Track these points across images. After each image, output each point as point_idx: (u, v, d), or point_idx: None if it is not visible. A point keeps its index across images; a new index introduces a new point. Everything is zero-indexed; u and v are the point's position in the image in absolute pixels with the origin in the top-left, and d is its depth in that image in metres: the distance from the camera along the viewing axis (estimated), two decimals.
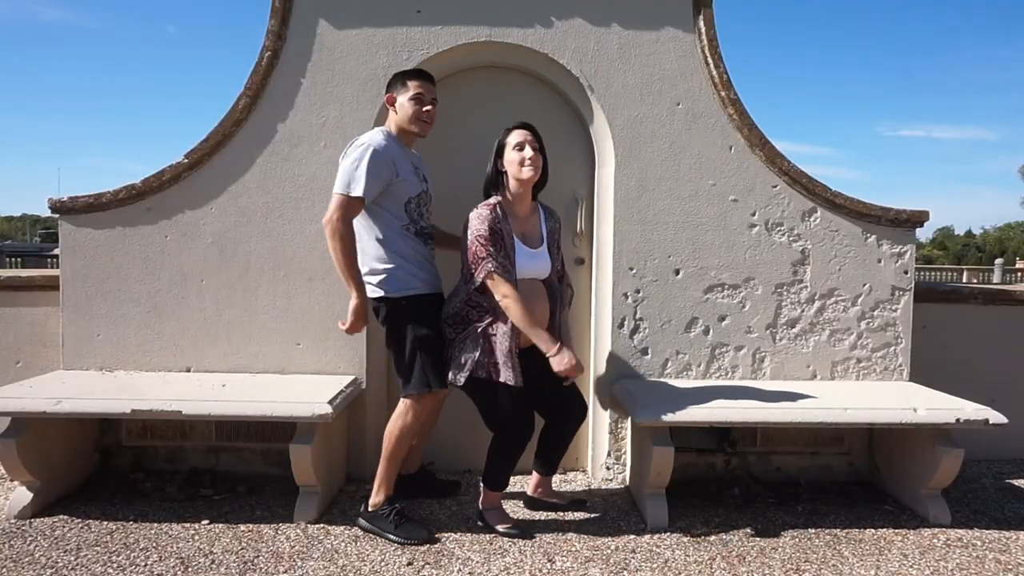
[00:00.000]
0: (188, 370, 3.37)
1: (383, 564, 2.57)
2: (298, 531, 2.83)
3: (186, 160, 3.30)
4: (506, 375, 2.66)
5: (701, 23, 3.36)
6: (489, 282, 2.64)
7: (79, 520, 2.90)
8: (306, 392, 2.96)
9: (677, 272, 3.40)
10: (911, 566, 2.63)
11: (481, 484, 2.89)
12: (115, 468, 3.40)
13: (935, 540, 2.86)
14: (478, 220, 2.68)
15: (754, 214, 3.41)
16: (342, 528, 2.86)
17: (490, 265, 2.63)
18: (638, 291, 3.39)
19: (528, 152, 2.71)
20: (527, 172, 2.71)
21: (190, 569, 2.51)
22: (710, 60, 3.35)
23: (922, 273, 20.90)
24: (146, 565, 2.53)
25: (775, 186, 3.41)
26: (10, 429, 2.87)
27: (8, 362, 3.58)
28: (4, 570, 2.48)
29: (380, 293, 2.80)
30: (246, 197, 3.34)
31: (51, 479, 3.04)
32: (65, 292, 3.35)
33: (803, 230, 3.43)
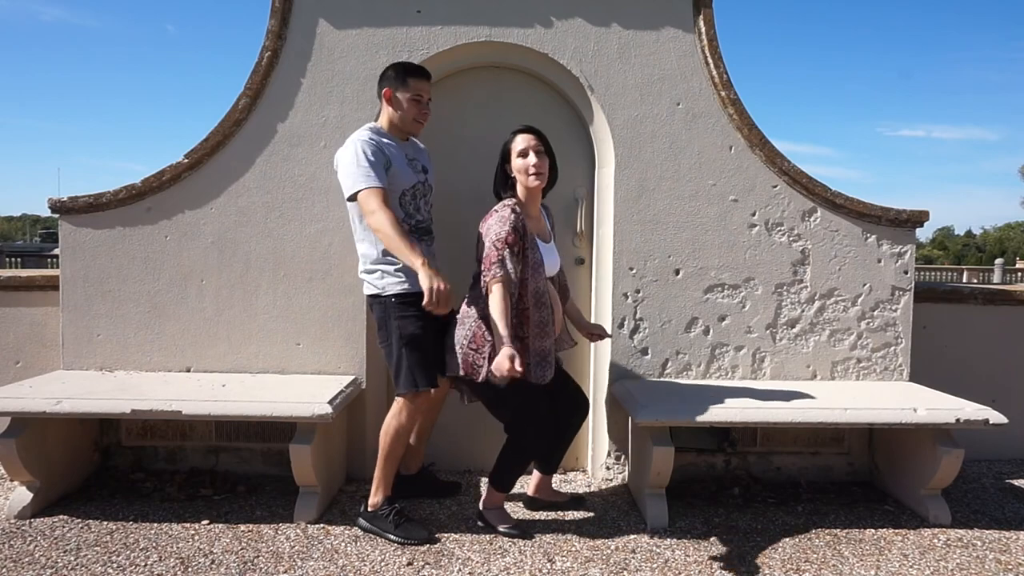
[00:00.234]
0: (188, 370, 3.37)
1: (383, 564, 2.57)
2: (298, 531, 2.83)
3: (186, 160, 3.31)
4: (540, 374, 2.69)
5: (701, 23, 3.36)
6: (492, 287, 2.58)
7: (79, 520, 2.90)
8: (306, 392, 2.97)
9: (677, 272, 3.40)
10: (911, 566, 2.63)
11: (487, 484, 2.89)
12: (115, 468, 3.40)
13: (935, 540, 2.86)
14: (499, 223, 2.63)
15: (754, 214, 3.41)
16: (342, 528, 2.86)
17: (500, 272, 2.56)
18: (638, 291, 3.39)
19: (533, 159, 2.68)
20: (533, 181, 2.70)
21: (190, 569, 2.51)
22: (710, 60, 3.35)
23: (922, 273, 20.91)
24: (146, 565, 2.53)
25: (775, 186, 3.41)
26: (10, 429, 2.87)
27: (8, 362, 3.58)
28: (4, 570, 2.48)
29: (372, 291, 2.81)
30: (246, 197, 3.34)
31: (51, 479, 3.04)
32: (65, 292, 3.35)
33: (803, 230, 3.43)
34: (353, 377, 3.30)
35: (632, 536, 2.84)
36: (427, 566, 2.56)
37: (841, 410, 2.89)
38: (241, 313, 3.36)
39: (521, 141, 2.72)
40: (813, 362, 3.46)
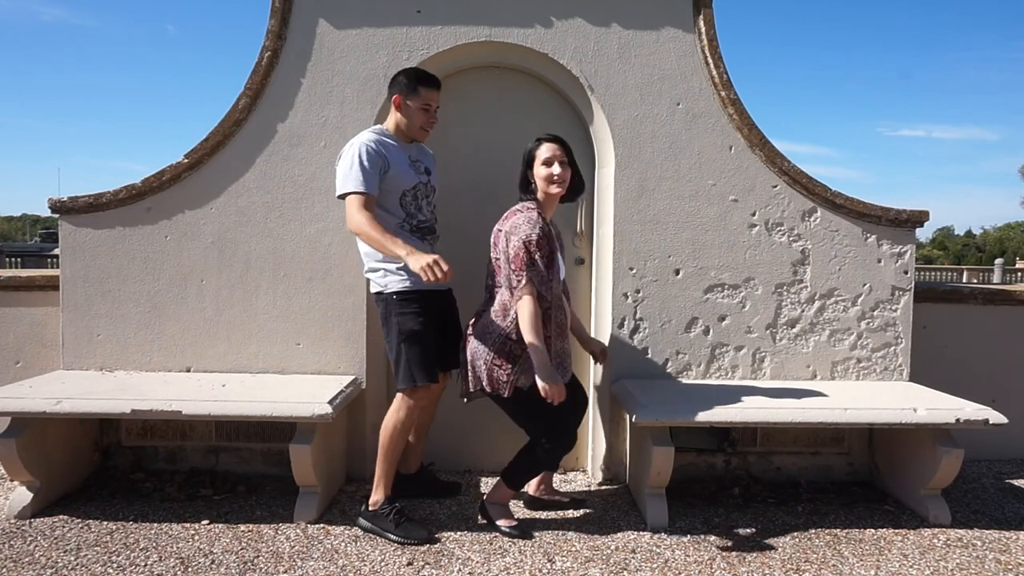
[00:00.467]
0: (188, 370, 3.37)
1: (383, 564, 2.57)
2: (298, 531, 2.83)
3: (186, 160, 3.31)
4: (564, 376, 2.71)
5: (701, 23, 3.36)
6: (522, 292, 2.59)
7: (79, 520, 2.90)
8: (306, 392, 2.97)
9: (677, 272, 3.40)
10: (911, 566, 2.63)
11: (499, 478, 2.89)
12: (115, 468, 3.40)
13: (935, 540, 2.86)
14: (528, 225, 2.63)
15: (754, 214, 3.41)
16: (342, 528, 2.86)
17: (531, 274, 2.59)
18: (638, 291, 3.39)
19: (556, 169, 2.70)
20: (555, 189, 2.73)
21: (190, 569, 2.50)
22: (710, 60, 3.35)
23: (922, 273, 20.90)
24: (146, 565, 2.53)
25: (775, 186, 3.41)
26: (10, 429, 2.87)
27: (8, 362, 3.58)
28: (4, 570, 2.48)
29: (376, 289, 2.85)
30: (246, 197, 3.34)
31: (51, 479, 3.04)
32: (65, 292, 3.35)
33: (803, 230, 3.43)
34: (353, 377, 3.30)
35: (632, 536, 2.84)
36: (427, 566, 2.56)
37: (841, 410, 2.88)
38: (241, 313, 3.36)
39: (547, 150, 2.73)
40: (813, 362, 3.46)
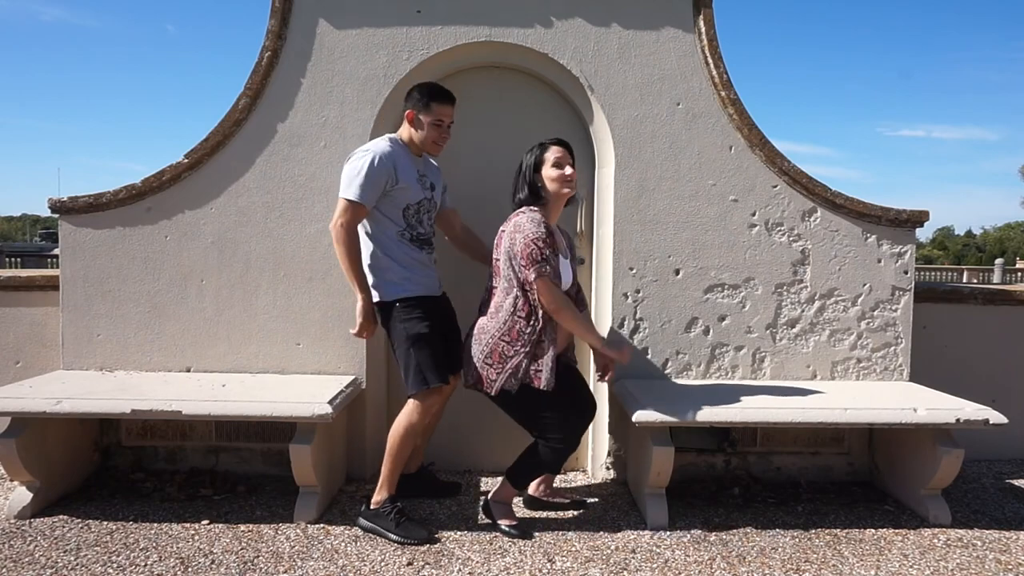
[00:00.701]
0: (188, 370, 3.37)
1: (383, 564, 2.57)
2: (298, 531, 2.83)
3: (186, 160, 3.30)
4: (546, 378, 2.67)
5: (701, 23, 3.36)
6: (539, 284, 2.62)
7: (79, 520, 2.90)
8: (306, 392, 2.97)
9: (677, 272, 3.40)
10: (911, 566, 2.63)
11: (503, 477, 2.90)
12: (115, 468, 3.40)
13: (935, 540, 2.86)
14: (533, 224, 2.65)
15: (754, 214, 3.41)
16: (342, 528, 2.86)
17: (546, 268, 2.62)
18: (638, 291, 3.39)
19: (568, 170, 2.75)
20: (567, 190, 2.76)
21: (190, 569, 2.50)
22: (710, 60, 3.35)
23: (922, 273, 20.90)
24: (146, 565, 2.53)
25: (775, 186, 3.41)
26: (10, 429, 2.87)
27: (8, 362, 3.58)
28: (4, 570, 2.48)
29: (377, 297, 2.85)
30: (246, 197, 3.34)
31: (51, 479, 3.04)
32: (65, 292, 3.35)
33: (803, 230, 3.43)
34: (353, 377, 3.30)
35: (632, 536, 2.84)
36: (427, 566, 2.56)
37: (841, 410, 2.88)
38: (241, 313, 3.36)
39: (556, 152, 2.76)
40: (813, 362, 3.46)
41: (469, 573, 2.51)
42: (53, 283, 3.46)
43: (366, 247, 2.85)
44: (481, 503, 3.03)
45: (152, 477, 3.31)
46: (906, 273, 3.48)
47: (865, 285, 3.46)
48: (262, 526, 2.87)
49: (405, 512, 2.81)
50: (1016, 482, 3.58)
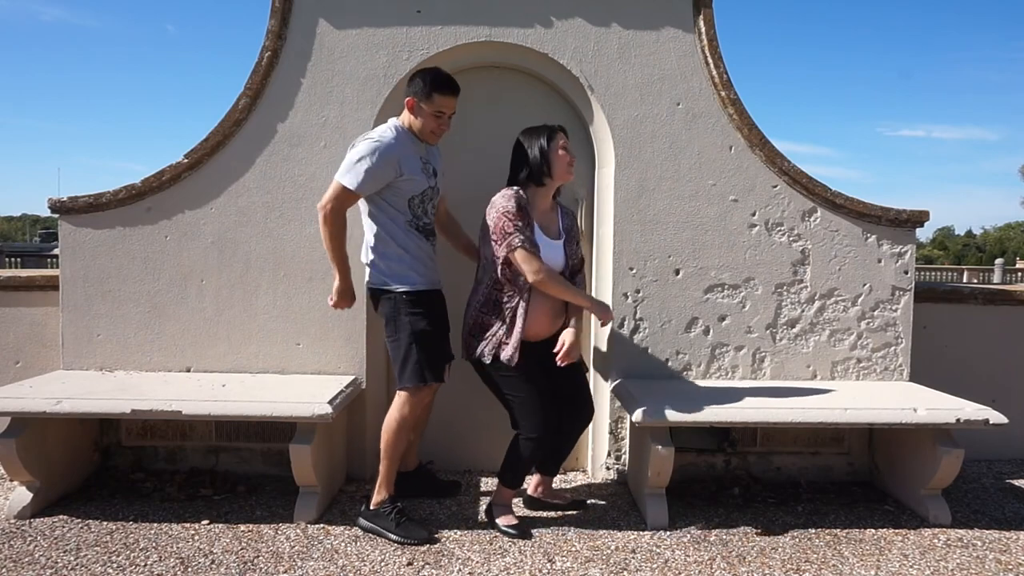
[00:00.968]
0: (188, 370, 3.37)
1: (383, 564, 2.57)
2: (298, 531, 2.83)
3: (186, 160, 3.30)
4: (508, 354, 2.72)
5: (701, 23, 3.36)
6: (516, 256, 2.68)
7: (79, 520, 2.90)
8: (306, 392, 2.97)
9: (677, 272, 3.40)
10: (911, 566, 2.63)
11: (496, 479, 2.92)
12: (115, 468, 3.40)
13: (935, 540, 2.86)
14: (504, 199, 2.74)
15: (754, 214, 3.41)
16: (342, 528, 2.86)
17: (518, 240, 2.68)
18: (638, 291, 3.39)
19: (573, 156, 2.86)
20: (571, 174, 2.87)
21: (190, 569, 2.50)
22: (710, 60, 3.35)
23: (922, 273, 20.89)
24: (146, 565, 2.53)
25: (775, 186, 3.41)
26: (10, 429, 2.87)
27: (8, 362, 3.58)
28: (4, 570, 2.48)
29: (380, 284, 2.84)
30: (246, 197, 3.34)
31: (51, 479, 3.04)
32: (65, 292, 3.35)
33: (803, 230, 3.43)
34: (353, 377, 3.29)
35: (632, 536, 2.84)
36: (427, 566, 2.56)
37: (841, 410, 2.88)
38: (241, 313, 3.36)
39: (563, 138, 2.87)
40: (813, 362, 3.46)
41: (469, 573, 2.51)
42: (53, 283, 3.46)
43: (373, 236, 2.85)
44: (483, 506, 3.03)
45: (152, 477, 3.31)
46: (906, 273, 3.48)
47: (865, 285, 3.46)
48: (262, 526, 2.87)
49: (405, 512, 2.81)
50: (1016, 482, 3.58)
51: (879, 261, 3.46)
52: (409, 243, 2.82)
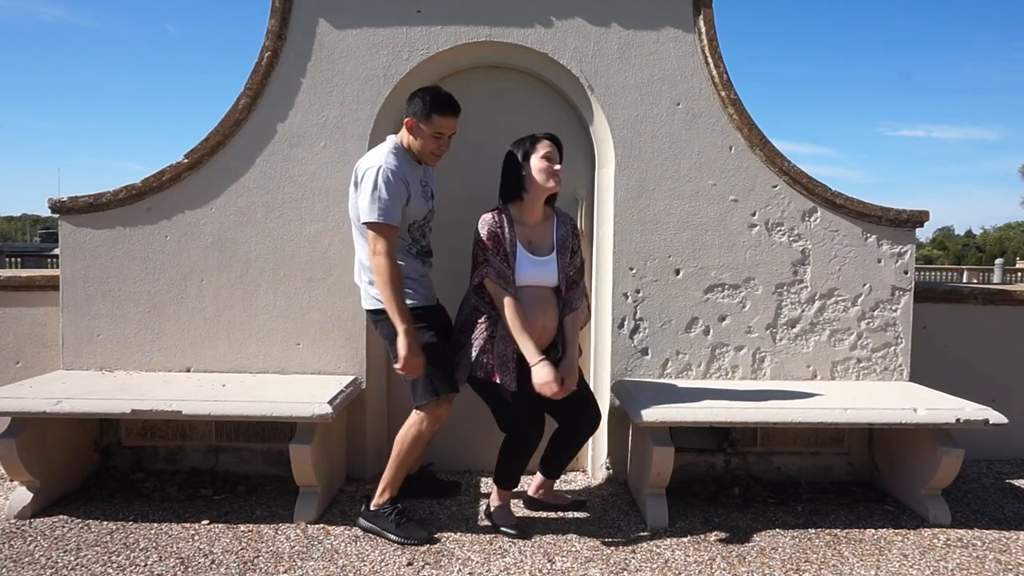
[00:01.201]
0: (188, 370, 3.37)
1: (383, 564, 2.57)
2: (298, 531, 2.83)
3: (186, 160, 3.31)
4: (502, 378, 2.68)
5: (701, 23, 3.36)
6: (486, 284, 2.72)
7: (79, 520, 2.90)
8: (306, 392, 2.97)
9: (677, 272, 3.40)
10: (911, 566, 2.63)
11: (491, 481, 2.91)
12: (115, 468, 3.40)
13: (935, 540, 2.86)
14: (480, 225, 2.75)
15: (754, 214, 3.41)
16: (342, 528, 2.86)
17: (485, 270, 2.70)
18: (638, 291, 3.39)
19: (557, 164, 2.75)
20: (552, 183, 2.74)
21: (190, 569, 2.50)
22: (710, 60, 3.35)
23: (922, 273, 20.90)
24: (146, 565, 2.53)
25: (775, 186, 3.41)
26: (10, 429, 2.87)
27: (8, 362, 3.58)
28: (4, 570, 2.48)
29: (376, 306, 2.79)
30: (246, 197, 3.34)
31: (51, 479, 3.04)
32: (65, 292, 3.35)
33: (803, 230, 3.43)
34: (353, 377, 3.30)
35: (632, 536, 2.84)
36: (427, 566, 2.56)
37: (841, 410, 2.88)
38: (241, 313, 3.36)
39: (547, 146, 2.76)
40: (813, 362, 3.46)
41: (469, 573, 2.51)
42: (53, 283, 3.46)
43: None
44: (483, 506, 3.03)
45: (152, 477, 3.31)
46: (906, 273, 3.48)
47: (865, 285, 3.46)
48: (262, 526, 2.87)
49: (405, 513, 2.81)
50: (1016, 482, 3.58)
51: (879, 261, 3.46)
52: (406, 268, 2.78)
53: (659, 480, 2.95)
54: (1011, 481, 3.59)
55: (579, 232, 2.98)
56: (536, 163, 2.74)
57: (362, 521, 2.83)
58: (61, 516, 2.94)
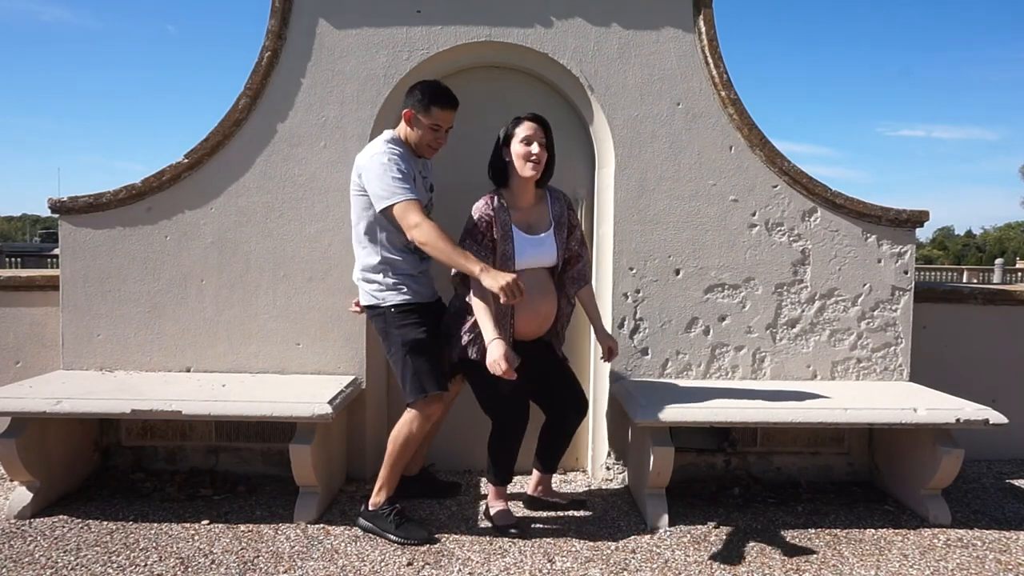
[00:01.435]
0: (188, 370, 3.37)
1: (383, 564, 2.57)
2: (298, 531, 2.83)
3: (186, 160, 3.31)
4: (481, 353, 2.68)
5: (701, 23, 3.36)
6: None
7: (79, 520, 2.90)
8: (306, 392, 2.96)
9: (677, 272, 3.40)
10: (911, 566, 2.63)
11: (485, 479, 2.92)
12: (115, 468, 3.40)
13: (935, 540, 2.86)
14: (474, 211, 2.75)
15: (754, 214, 3.41)
16: (342, 528, 2.86)
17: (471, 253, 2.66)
18: (638, 291, 3.39)
19: (535, 148, 2.68)
20: (529, 171, 2.69)
21: (190, 569, 2.50)
22: (710, 60, 3.35)
23: (922, 273, 20.90)
24: (146, 565, 2.53)
25: (775, 186, 3.41)
26: (10, 429, 2.87)
27: (8, 362, 3.58)
28: (4, 570, 2.48)
29: (372, 302, 2.82)
30: (246, 197, 3.34)
31: (51, 479, 3.04)
32: (65, 292, 3.35)
33: (803, 230, 3.43)
34: (353, 377, 3.30)
35: (632, 536, 2.84)
36: (427, 566, 2.56)
37: (841, 410, 2.88)
38: (241, 313, 3.36)
39: (527, 128, 2.70)
40: (813, 362, 3.46)
41: (469, 573, 2.51)
42: (53, 283, 3.46)
43: (368, 253, 2.81)
44: (483, 506, 3.03)
45: (152, 477, 3.31)
46: (906, 273, 3.48)
47: (865, 285, 3.46)
48: (262, 526, 2.87)
49: (404, 513, 2.81)
50: (1016, 482, 3.58)
51: (879, 261, 3.46)
52: (402, 264, 2.78)
53: (659, 480, 2.95)
54: (1011, 481, 3.59)
55: (575, 208, 2.98)
56: (515, 148, 2.71)
57: (362, 521, 2.83)
58: (61, 516, 2.94)
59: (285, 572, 2.50)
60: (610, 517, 3.04)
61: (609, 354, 2.95)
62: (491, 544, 2.74)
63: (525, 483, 3.16)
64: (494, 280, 2.47)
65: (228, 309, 3.36)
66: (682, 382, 3.36)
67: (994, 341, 3.87)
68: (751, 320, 3.42)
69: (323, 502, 3.01)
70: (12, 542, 2.70)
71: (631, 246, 3.37)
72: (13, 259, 18.78)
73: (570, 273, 2.88)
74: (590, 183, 3.55)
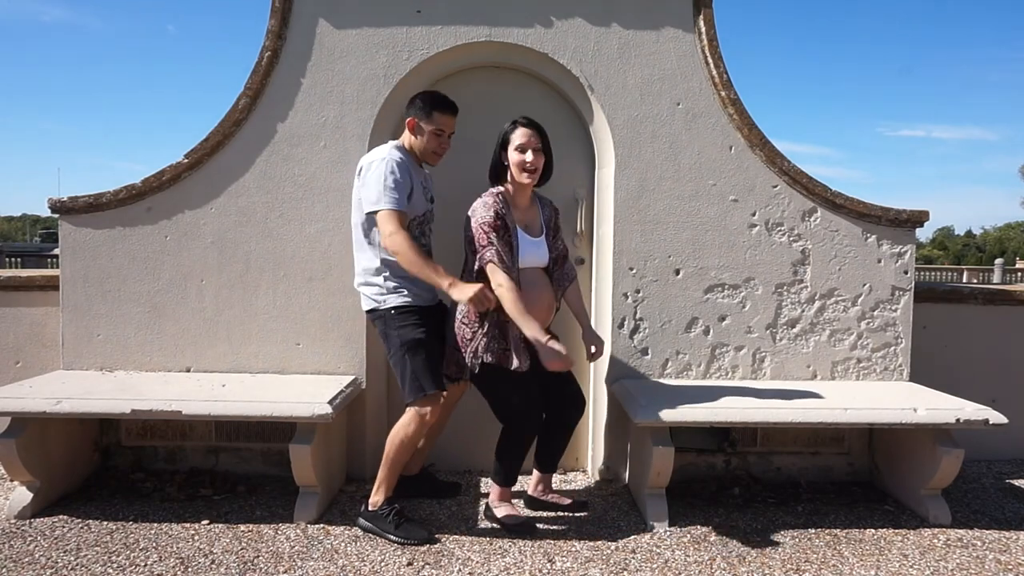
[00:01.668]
0: (188, 370, 3.37)
1: (383, 564, 2.57)
2: (298, 531, 2.83)
3: (186, 160, 3.31)
4: (519, 359, 2.69)
5: (701, 23, 3.36)
6: (487, 269, 2.67)
7: (79, 520, 2.90)
8: (306, 392, 2.96)
9: (677, 272, 3.40)
10: (911, 566, 2.63)
11: (490, 480, 2.92)
12: (115, 468, 3.40)
13: (935, 540, 2.86)
14: (483, 208, 2.71)
15: (754, 214, 3.41)
16: (342, 528, 2.86)
17: (488, 254, 2.66)
18: (638, 291, 3.39)
19: (529, 156, 2.72)
20: (526, 178, 2.75)
21: (190, 569, 2.50)
22: (710, 60, 3.35)
23: (922, 273, 20.90)
24: (146, 565, 2.53)
25: (775, 186, 3.41)
26: (10, 429, 2.87)
27: (8, 362, 3.58)
28: (4, 570, 2.48)
29: (372, 305, 2.84)
30: (246, 197, 3.34)
31: (51, 479, 3.04)
32: (65, 292, 3.35)
33: (803, 230, 3.43)
34: (353, 377, 3.29)
35: (632, 536, 2.84)
36: (427, 566, 2.56)
37: (841, 410, 2.88)
38: (241, 313, 3.36)
39: (521, 135, 2.75)
40: (813, 362, 3.46)
41: (469, 573, 2.51)
42: (53, 283, 3.46)
43: (367, 256, 2.84)
44: (483, 506, 3.03)
45: (152, 477, 3.31)
46: (906, 273, 3.48)
47: (865, 285, 3.46)
48: (262, 526, 2.87)
49: (404, 513, 2.81)
50: (1016, 482, 3.58)
51: (879, 261, 3.46)
52: (400, 267, 2.78)
53: (659, 480, 2.95)
54: (1011, 481, 3.59)
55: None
56: (511, 155, 2.76)
57: (362, 521, 2.83)
58: (61, 516, 2.94)
59: (285, 572, 2.50)
60: (610, 517, 3.04)
61: (592, 355, 2.91)
62: (491, 544, 2.74)
63: (525, 483, 3.16)
64: (461, 293, 2.58)
65: (228, 309, 3.36)
66: (682, 382, 3.36)
67: (994, 341, 3.87)
68: (751, 320, 3.42)
69: (323, 502, 3.01)
70: (12, 542, 2.70)
71: (631, 246, 3.37)
72: (13, 259, 18.78)
73: (559, 272, 2.95)
74: (590, 183, 3.55)
